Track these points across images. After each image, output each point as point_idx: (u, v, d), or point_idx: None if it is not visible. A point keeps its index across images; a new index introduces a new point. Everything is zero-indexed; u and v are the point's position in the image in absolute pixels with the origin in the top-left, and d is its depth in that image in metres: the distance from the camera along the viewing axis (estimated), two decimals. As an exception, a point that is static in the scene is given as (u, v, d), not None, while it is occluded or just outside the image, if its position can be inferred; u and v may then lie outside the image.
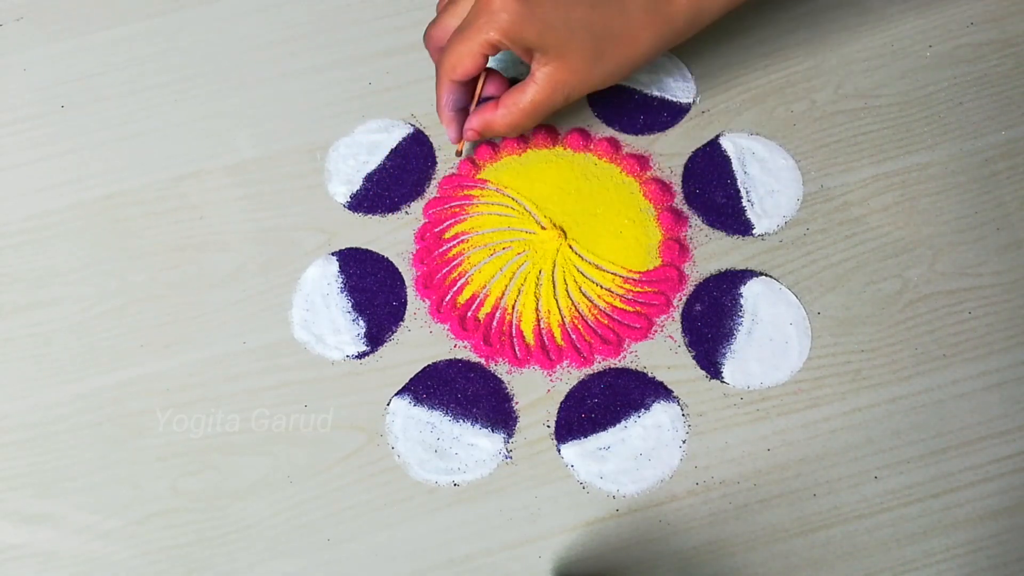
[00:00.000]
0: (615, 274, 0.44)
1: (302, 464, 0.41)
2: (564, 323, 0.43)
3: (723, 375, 0.41)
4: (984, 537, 0.38)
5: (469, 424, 0.41)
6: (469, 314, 0.43)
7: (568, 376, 0.42)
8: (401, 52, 0.50)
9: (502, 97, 0.42)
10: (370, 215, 0.46)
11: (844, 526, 0.38)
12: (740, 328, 0.42)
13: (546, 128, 0.47)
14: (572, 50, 0.39)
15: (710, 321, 0.42)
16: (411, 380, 0.42)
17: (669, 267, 0.44)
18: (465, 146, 0.46)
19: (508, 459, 0.40)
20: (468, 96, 0.43)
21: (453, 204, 0.46)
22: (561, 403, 0.41)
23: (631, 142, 0.47)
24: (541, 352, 0.42)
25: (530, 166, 0.47)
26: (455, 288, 0.44)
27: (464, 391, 0.42)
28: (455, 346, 0.43)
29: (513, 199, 0.46)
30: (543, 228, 0.44)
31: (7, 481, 0.41)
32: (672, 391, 0.41)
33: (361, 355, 0.43)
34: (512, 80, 0.44)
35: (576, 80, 0.40)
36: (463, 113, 0.44)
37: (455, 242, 0.45)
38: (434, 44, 0.43)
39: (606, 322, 0.43)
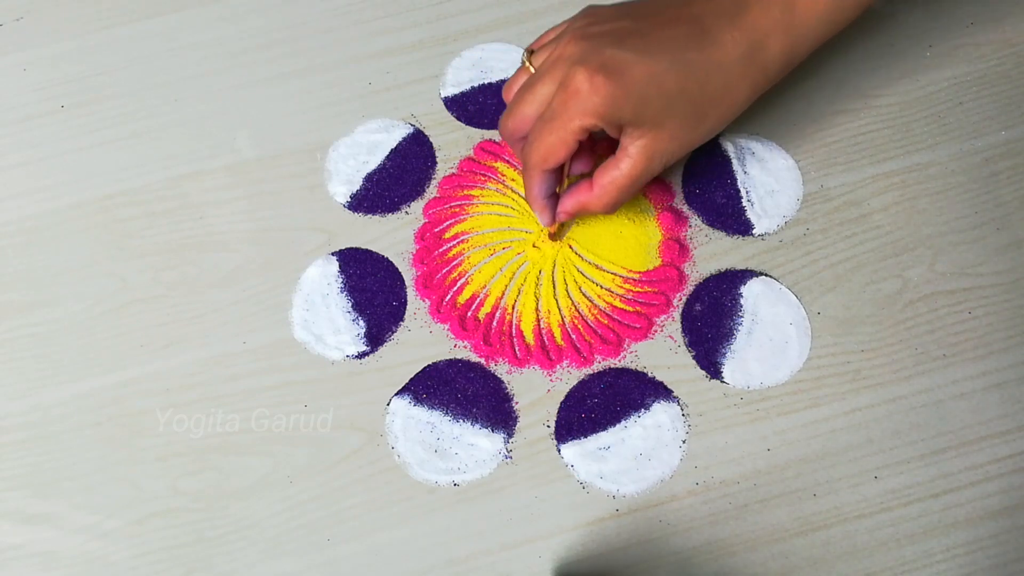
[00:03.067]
0: (615, 274, 0.44)
1: (302, 464, 0.41)
2: (564, 323, 0.43)
3: (723, 375, 0.41)
4: (984, 537, 0.38)
5: (469, 424, 0.41)
6: (469, 314, 0.43)
7: (568, 376, 0.42)
8: (401, 52, 0.50)
9: (595, 176, 0.39)
10: (370, 215, 0.46)
11: (844, 526, 0.38)
12: (740, 328, 0.42)
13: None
14: (669, 120, 0.37)
15: (710, 321, 0.42)
16: (411, 380, 0.42)
17: (669, 267, 0.44)
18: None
19: (508, 459, 0.40)
20: (557, 179, 0.41)
21: (453, 204, 0.46)
22: (561, 403, 0.41)
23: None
24: (541, 352, 0.42)
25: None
26: (455, 288, 0.44)
27: (464, 391, 0.42)
28: (455, 346, 0.43)
29: (513, 198, 0.46)
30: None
31: (7, 481, 0.41)
32: (672, 391, 0.41)
33: (361, 355, 0.43)
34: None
35: (675, 147, 0.38)
36: (553, 199, 0.41)
37: (455, 242, 0.45)
38: (513, 135, 0.40)
39: (606, 322, 0.43)
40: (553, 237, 0.44)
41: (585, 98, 0.36)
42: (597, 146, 0.43)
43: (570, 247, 0.44)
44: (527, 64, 0.40)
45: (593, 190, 0.40)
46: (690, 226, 0.45)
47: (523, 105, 0.39)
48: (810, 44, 0.39)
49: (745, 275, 0.43)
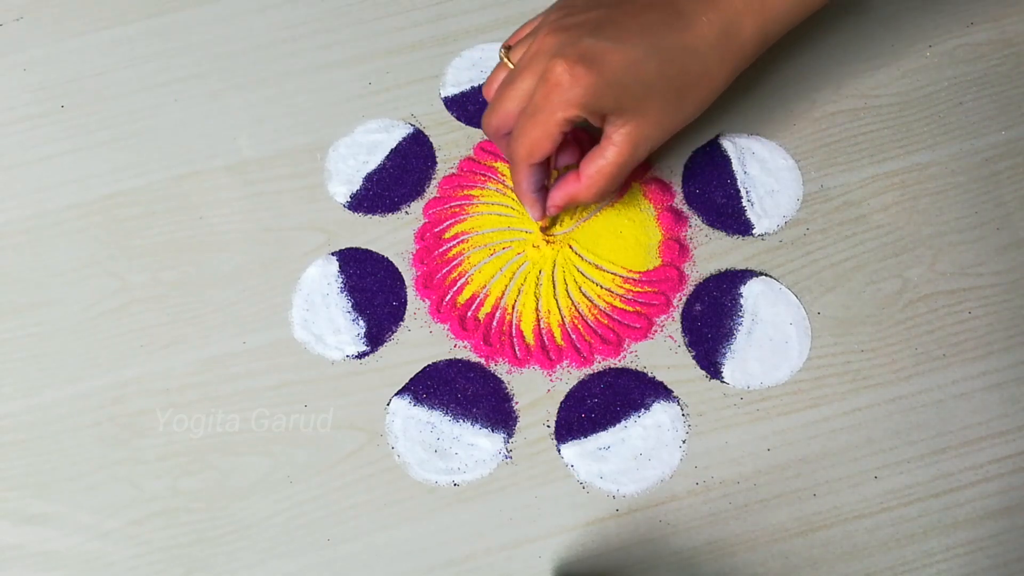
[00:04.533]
0: (615, 274, 0.44)
1: (302, 464, 0.41)
2: (564, 323, 0.43)
3: (723, 375, 0.41)
4: (984, 537, 0.38)
5: (469, 424, 0.41)
6: (469, 314, 0.43)
7: (568, 376, 0.42)
8: (401, 52, 0.50)
9: (582, 167, 0.40)
10: (370, 215, 0.46)
11: (844, 526, 0.38)
12: (740, 328, 0.42)
13: (546, 128, 0.47)
14: (650, 106, 0.37)
15: (710, 321, 0.42)
16: (411, 380, 0.42)
17: (669, 267, 0.44)
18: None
19: (508, 459, 0.40)
20: (545, 173, 0.41)
21: (453, 204, 0.46)
22: (561, 403, 0.41)
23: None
24: (541, 352, 0.42)
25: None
26: (455, 288, 0.44)
27: (464, 391, 0.42)
28: (455, 346, 0.43)
29: (513, 198, 0.46)
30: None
31: (7, 481, 0.41)
32: (672, 391, 0.41)
33: (361, 355, 0.43)
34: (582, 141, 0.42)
35: (658, 132, 0.39)
36: (542, 192, 0.42)
37: (455, 242, 0.45)
38: (497, 132, 0.40)
39: (606, 322, 0.43)
40: (545, 231, 0.44)
41: (566, 89, 0.36)
42: (581, 136, 0.43)
43: (570, 247, 0.44)
44: (505, 60, 0.40)
45: (581, 180, 0.40)
46: (690, 226, 0.45)
47: (505, 101, 0.39)
48: (783, 24, 0.40)
49: (745, 275, 0.43)
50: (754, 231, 0.44)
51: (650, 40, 0.37)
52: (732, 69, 0.39)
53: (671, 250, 0.44)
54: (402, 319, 0.44)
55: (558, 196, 0.41)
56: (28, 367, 0.44)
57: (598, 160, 0.39)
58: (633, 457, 0.40)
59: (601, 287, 0.43)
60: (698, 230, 0.45)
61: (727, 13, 0.38)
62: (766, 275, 0.43)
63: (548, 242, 0.44)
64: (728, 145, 0.46)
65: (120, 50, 0.52)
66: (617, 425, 0.41)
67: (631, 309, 0.43)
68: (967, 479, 0.39)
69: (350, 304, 0.44)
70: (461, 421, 0.41)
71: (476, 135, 0.48)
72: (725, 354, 0.42)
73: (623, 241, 0.44)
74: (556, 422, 0.41)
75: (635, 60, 0.36)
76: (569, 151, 0.42)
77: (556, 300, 0.43)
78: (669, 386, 0.41)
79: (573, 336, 0.42)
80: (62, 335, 0.44)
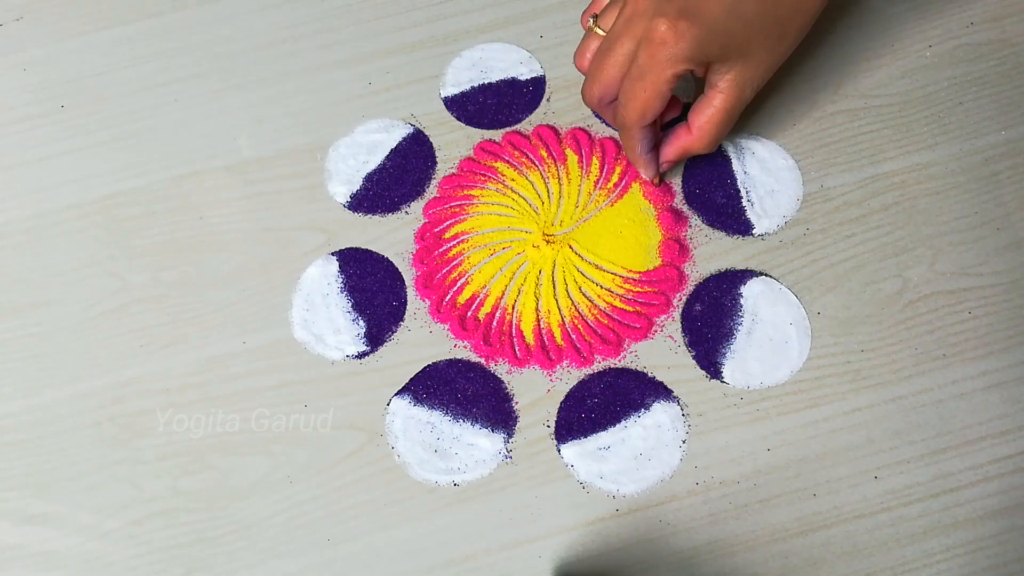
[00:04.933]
0: (615, 274, 0.44)
1: (302, 464, 0.41)
2: (564, 323, 0.43)
3: (723, 375, 0.41)
4: (984, 537, 0.38)
5: (469, 424, 0.41)
6: (469, 314, 0.43)
7: (568, 376, 0.42)
8: (401, 52, 0.50)
9: (691, 118, 0.40)
10: (370, 215, 0.46)
11: (844, 526, 0.38)
12: (740, 328, 0.42)
13: (548, 128, 0.47)
14: (752, 47, 0.38)
15: (710, 321, 0.42)
16: (411, 380, 0.42)
17: (669, 267, 0.44)
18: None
19: (508, 459, 0.40)
20: (655, 131, 0.41)
21: (453, 204, 0.46)
22: (561, 403, 0.41)
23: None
24: (541, 352, 0.42)
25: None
26: (455, 288, 0.44)
27: (464, 391, 0.42)
28: (455, 346, 0.43)
29: (513, 198, 0.46)
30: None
31: (7, 481, 0.41)
32: (672, 391, 0.41)
33: (361, 355, 0.43)
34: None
35: (762, 71, 0.39)
36: (655, 152, 0.42)
37: (455, 242, 0.45)
38: (601, 101, 0.40)
39: (606, 322, 0.43)
40: (657, 184, 0.45)
41: (673, 46, 0.36)
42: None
43: (570, 247, 0.44)
44: (596, 29, 0.40)
45: (692, 132, 0.40)
46: (690, 226, 0.45)
47: (606, 68, 0.39)
48: None
49: (745, 275, 0.43)
50: (754, 231, 0.44)
51: None
52: None
53: (671, 250, 0.44)
54: (402, 319, 0.44)
55: (671, 151, 0.41)
56: (28, 367, 0.44)
57: (707, 110, 0.39)
58: (633, 457, 0.40)
59: (601, 287, 0.43)
60: (698, 230, 0.45)
61: None
62: (766, 275, 0.43)
63: (548, 242, 0.44)
64: (728, 145, 0.46)
65: (120, 50, 0.52)
66: (617, 425, 0.41)
67: (631, 309, 0.43)
68: (967, 479, 0.39)
69: (350, 304, 0.44)
70: (461, 421, 0.41)
71: (476, 135, 0.48)
72: (725, 354, 0.42)
73: (623, 241, 0.44)
74: (556, 422, 0.41)
75: (732, 4, 0.37)
76: (673, 104, 0.42)
77: (556, 300, 0.43)
78: (669, 386, 0.41)
79: (573, 336, 0.42)
80: (62, 335, 0.44)
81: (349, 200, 0.47)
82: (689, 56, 0.36)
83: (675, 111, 0.43)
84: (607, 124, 0.47)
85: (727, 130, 0.41)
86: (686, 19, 0.36)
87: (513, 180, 0.46)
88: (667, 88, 0.38)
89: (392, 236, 0.46)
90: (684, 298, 0.43)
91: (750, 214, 0.45)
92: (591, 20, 0.41)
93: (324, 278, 0.45)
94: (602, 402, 0.41)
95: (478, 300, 0.44)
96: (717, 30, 0.36)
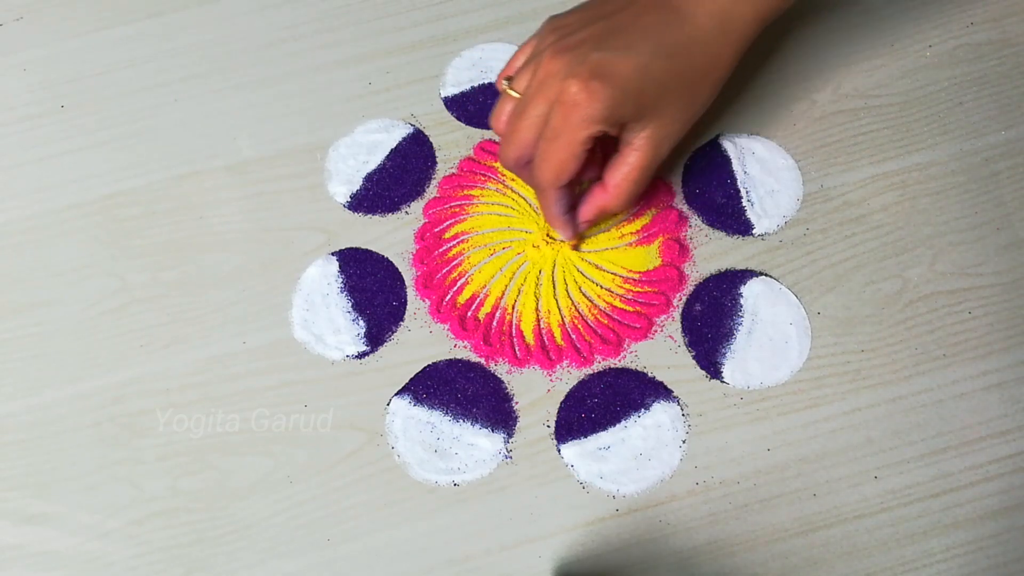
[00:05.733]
0: (615, 274, 0.44)
1: (302, 464, 0.41)
2: (564, 323, 0.43)
3: (723, 375, 0.41)
4: (984, 537, 0.38)
5: (469, 424, 0.41)
6: (469, 314, 0.43)
7: (568, 376, 0.42)
8: (401, 52, 0.50)
9: (606, 177, 0.40)
10: (370, 215, 0.46)
11: (844, 526, 0.38)
12: (740, 328, 0.42)
13: (546, 128, 0.47)
14: (666, 105, 0.38)
15: (710, 321, 0.42)
16: (411, 380, 0.42)
17: (669, 267, 0.44)
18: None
19: (508, 459, 0.40)
20: (572, 193, 0.41)
21: (453, 204, 0.46)
22: (561, 403, 0.41)
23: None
24: (541, 352, 0.42)
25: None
26: (455, 288, 0.44)
27: (464, 391, 0.42)
28: (455, 346, 0.43)
29: (513, 198, 0.46)
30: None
31: (7, 481, 0.41)
32: (672, 391, 0.41)
33: (361, 355, 0.43)
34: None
35: (676, 128, 0.39)
36: (572, 213, 0.41)
37: (455, 242, 0.45)
38: (518, 163, 0.40)
39: (606, 322, 0.43)
40: (577, 248, 0.44)
41: (585, 107, 0.36)
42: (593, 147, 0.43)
43: (570, 247, 0.44)
44: (508, 91, 0.40)
45: (608, 191, 0.40)
46: (690, 226, 0.45)
47: (521, 131, 0.39)
48: (778, 2, 0.39)
49: (745, 275, 0.43)
50: (754, 231, 0.44)
51: (654, 41, 0.37)
52: (736, 52, 0.39)
53: (671, 250, 0.44)
54: (402, 319, 0.44)
55: (588, 211, 0.41)
56: (28, 367, 0.44)
57: (622, 168, 0.39)
58: (633, 457, 0.40)
59: (601, 287, 0.43)
60: (698, 230, 0.45)
61: (723, 3, 0.38)
62: (766, 275, 0.43)
63: (548, 243, 0.44)
64: (728, 145, 0.46)
65: (120, 50, 0.52)
66: (617, 425, 0.41)
67: (631, 309, 0.43)
68: (967, 479, 0.39)
69: (350, 304, 0.44)
70: (461, 421, 0.41)
71: (476, 135, 0.48)
72: (725, 354, 0.42)
73: (623, 241, 0.44)
74: (556, 422, 0.41)
75: (645, 64, 0.37)
76: (589, 166, 0.42)
77: (556, 300, 0.43)
78: (669, 386, 0.41)
79: (573, 336, 0.42)
80: (62, 335, 0.44)
81: (349, 200, 0.47)
82: (603, 117, 0.36)
83: (592, 171, 0.41)
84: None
85: (643, 187, 0.40)
86: (598, 80, 0.36)
87: (513, 180, 0.46)
88: (581, 149, 0.37)
89: (392, 236, 0.46)
90: (684, 298, 0.43)
91: (750, 214, 0.45)
92: (504, 82, 0.40)
93: (324, 278, 0.45)
94: (602, 402, 0.41)
95: (478, 300, 0.44)
96: (629, 90, 0.36)
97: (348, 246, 0.45)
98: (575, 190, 0.41)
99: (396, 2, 0.52)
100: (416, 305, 0.44)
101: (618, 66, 0.36)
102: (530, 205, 0.46)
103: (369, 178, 0.47)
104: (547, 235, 0.44)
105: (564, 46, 0.37)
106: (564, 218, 0.41)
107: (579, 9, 0.40)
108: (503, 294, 0.44)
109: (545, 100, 0.37)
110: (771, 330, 0.42)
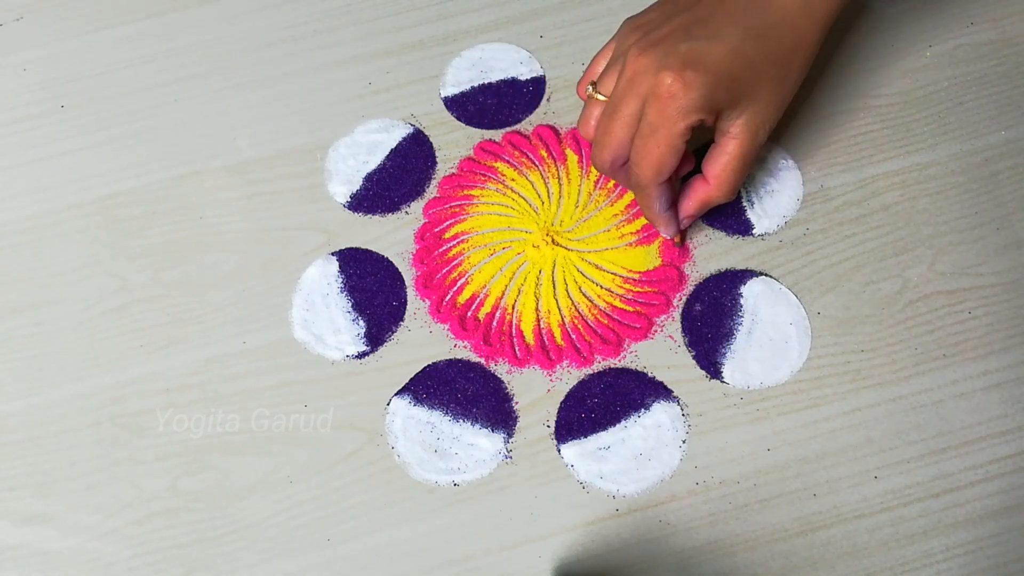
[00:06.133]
0: (615, 274, 0.44)
1: (302, 464, 0.41)
2: (564, 323, 0.43)
3: (723, 375, 0.41)
4: (984, 537, 0.38)
5: (469, 424, 0.41)
6: (469, 314, 0.43)
7: (568, 376, 0.42)
8: (401, 52, 0.50)
9: (706, 169, 0.40)
10: (370, 215, 0.46)
11: (844, 526, 0.38)
12: (740, 328, 0.42)
13: (548, 128, 0.47)
14: (760, 89, 0.37)
15: (710, 321, 0.42)
16: (411, 380, 0.42)
17: (669, 267, 0.44)
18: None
19: (508, 459, 0.40)
20: (672, 188, 0.40)
21: (453, 204, 0.46)
22: (561, 403, 0.41)
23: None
24: (541, 352, 0.42)
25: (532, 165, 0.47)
26: (455, 288, 0.44)
27: (464, 391, 0.42)
28: (455, 346, 0.43)
29: (513, 198, 0.46)
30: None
31: (7, 481, 0.41)
32: (672, 391, 0.41)
33: (361, 355, 0.43)
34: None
35: (771, 111, 0.38)
36: (674, 210, 0.41)
37: (455, 242, 0.45)
38: (613, 165, 0.39)
39: (606, 322, 0.43)
40: (680, 244, 0.44)
41: (682, 98, 0.36)
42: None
43: (570, 247, 0.44)
44: (595, 95, 0.39)
45: (709, 183, 0.40)
46: (690, 226, 0.45)
47: (615, 131, 0.38)
48: None
49: (745, 275, 0.43)
50: (754, 231, 0.44)
51: (742, 26, 0.37)
52: (821, 29, 0.39)
53: (671, 250, 0.44)
54: (402, 319, 0.44)
55: (691, 206, 0.41)
56: (28, 367, 0.44)
57: (722, 158, 0.39)
58: (633, 457, 0.40)
59: (601, 287, 0.43)
60: (698, 230, 0.45)
61: None
62: (766, 275, 0.43)
63: (548, 242, 0.44)
64: (728, 145, 0.46)
65: (120, 50, 0.52)
66: (617, 425, 0.41)
67: (631, 309, 0.43)
68: (967, 479, 0.39)
69: (350, 304, 0.44)
70: (461, 421, 0.41)
71: (476, 135, 0.48)
72: (725, 354, 0.42)
73: (623, 241, 0.44)
74: (556, 422, 0.41)
75: (735, 48, 0.36)
76: (686, 159, 0.41)
77: (556, 300, 0.43)
78: (669, 386, 0.41)
79: (573, 336, 0.42)
80: (62, 335, 0.44)
81: (349, 200, 0.47)
82: (700, 106, 0.36)
83: (688, 165, 0.41)
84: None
85: (745, 176, 0.40)
86: (692, 69, 0.36)
87: (513, 180, 0.46)
88: (681, 142, 0.37)
89: (392, 236, 0.46)
90: (684, 298, 0.43)
91: (750, 214, 0.45)
92: (590, 87, 0.40)
93: (324, 278, 0.45)
94: (602, 402, 0.41)
95: (478, 300, 0.44)
96: (723, 76, 0.36)
97: (348, 246, 0.45)
98: (675, 185, 0.41)
99: (396, 2, 0.52)
100: (416, 305, 0.44)
101: (710, 53, 0.36)
102: (530, 205, 0.46)
103: (369, 178, 0.47)
104: (547, 233, 0.44)
105: (650, 42, 0.37)
106: (667, 215, 0.41)
107: (657, 6, 0.40)
108: (503, 294, 0.44)
109: (638, 97, 0.37)
110: (771, 330, 0.42)
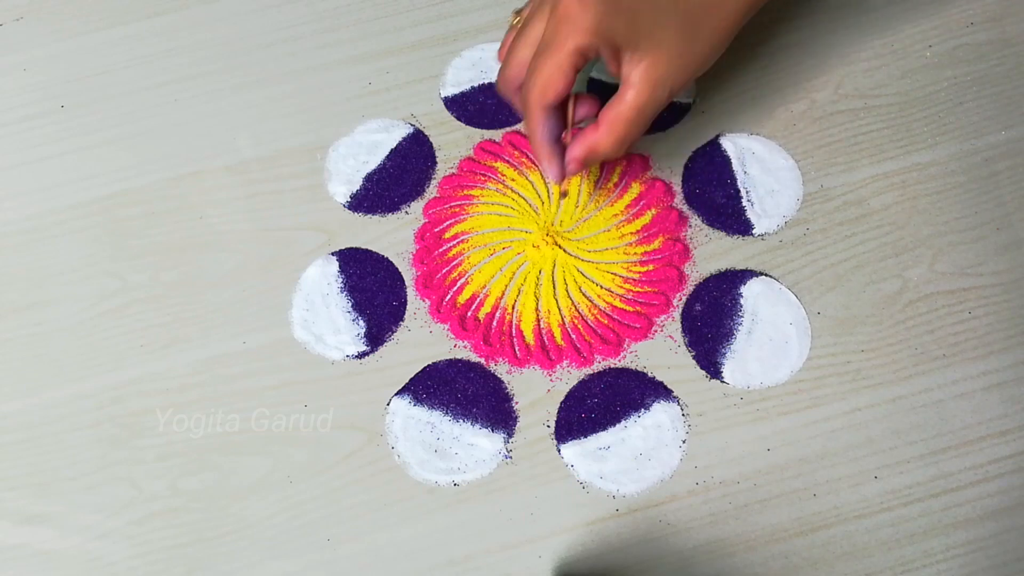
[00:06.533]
0: (615, 274, 0.44)
1: (302, 464, 0.41)
2: (564, 323, 0.43)
3: (723, 375, 0.41)
4: (984, 537, 0.38)
5: (469, 424, 0.41)
6: (469, 314, 0.43)
7: (568, 376, 0.42)
8: (401, 52, 0.50)
9: (600, 115, 0.38)
10: (370, 215, 0.46)
11: (844, 526, 0.38)
12: (740, 328, 0.42)
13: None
14: (665, 37, 0.36)
15: (710, 321, 0.42)
16: (411, 380, 0.42)
17: (669, 267, 0.44)
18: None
19: (508, 459, 0.40)
20: (561, 124, 0.39)
21: (453, 204, 0.46)
22: (561, 403, 0.41)
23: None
24: (541, 352, 0.42)
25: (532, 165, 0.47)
26: (455, 288, 0.44)
27: (464, 391, 0.42)
28: (455, 346, 0.43)
29: (513, 198, 0.46)
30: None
31: (7, 481, 0.41)
32: (672, 391, 0.41)
33: (361, 355, 0.43)
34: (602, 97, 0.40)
35: (675, 69, 0.37)
36: (560, 146, 0.40)
37: (455, 242, 0.45)
38: (511, 85, 0.39)
39: (606, 322, 0.43)
40: (564, 195, 0.43)
41: (576, 17, 0.35)
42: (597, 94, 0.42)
43: (569, 250, 0.44)
44: (514, 23, 0.40)
45: (599, 128, 0.38)
46: (690, 226, 0.45)
47: (517, 51, 0.38)
48: None
49: (745, 275, 0.43)
50: (754, 231, 0.44)
51: None
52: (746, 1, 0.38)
53: (671, 250, 0.44)
54: (402, 319, 0.44)
55: (577, 149, 0.39)
56: (28, 367, 0.44)
57: (617, 105, 0.38)
58: (633, 457, 0.40)
59: (601, 287, 0.43)
60: (698, 230, 0.45)
61: None
62: (766, 275, 0.43)
63: (548, 242, 0.44)
64: (728, 145, 0.46)
65: (120, 50, 0.52)
66: (617, 425, 0.41)
67: (631, 309, 0.43)
68: (967, 479, 0.39)
69: (350, 304, 0.44)
70: (461, 421, 0.41)
71: (476, 135, 0.48)
72: (725, 354, 0.42)
73: (623, 241, 0.44)
74: (556, 422, 0.41)
75: None
76: (587, 103, 0.40)
77: (556, 300, 0.43)
78: (669, 386, 0.41)
79: (573, 336, 0.42)
80: (62, 335, 0.44)
81: (349, 200, 0.47)
82: (593, 28, 0.35)
83: (588, 109, 0.40)
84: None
85: (638, 132, 0.38)
86: None
87: (513, 180, 0.46)
88: (568, 62, 0.36)
89: (392, 236, 0.46)
90: (684, 298, 0.43)
91: (750, 214, 0.45)
92: (512, 16, 0.40)
93: (324, 278, 0.45)
94: (602, 402, 0.41)
95: (478, 300, 0.44)
96: (623, 7, 0.35)
97: (348, 246, 0.45)
98: (565, 122, 0.40)
99: (396, 2, 0.52)
100: (416, 305, 0.44)
101: None
102: (530, 205, 0.46)
103: (369, 178, 0.47)
104: (547, 233, 0.44)
105: None
106: (550, 148, 0.39)
107: None
108: (503, 294, 0.44)
109: (542, 18, 0.37)
110: (771, 330, 0.42)
